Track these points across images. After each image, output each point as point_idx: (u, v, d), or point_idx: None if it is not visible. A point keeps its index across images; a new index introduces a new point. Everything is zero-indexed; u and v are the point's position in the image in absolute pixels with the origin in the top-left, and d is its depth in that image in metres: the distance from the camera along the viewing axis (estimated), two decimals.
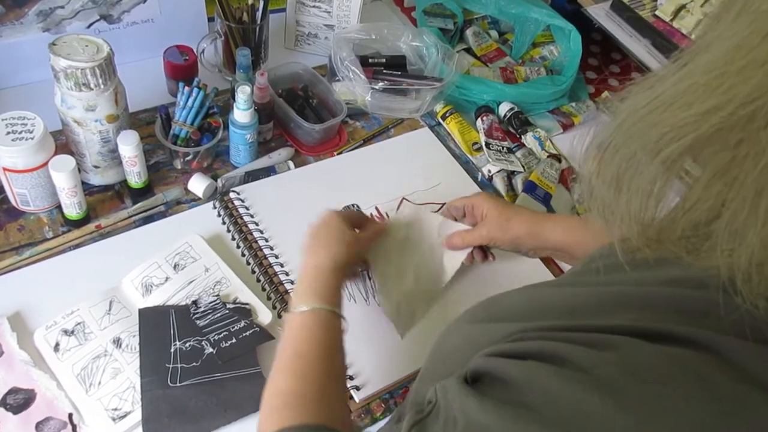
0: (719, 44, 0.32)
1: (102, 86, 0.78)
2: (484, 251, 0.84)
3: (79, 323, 0.75)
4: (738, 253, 0.32)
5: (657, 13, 1.19)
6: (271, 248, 0.86)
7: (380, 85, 1.06)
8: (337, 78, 1.06)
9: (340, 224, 0.74)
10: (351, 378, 0.76)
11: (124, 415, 0.69)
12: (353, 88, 1.05)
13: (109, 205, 0.88)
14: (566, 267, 0.92)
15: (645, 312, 0.39)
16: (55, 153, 0.80)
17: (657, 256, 0.37)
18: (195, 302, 0.78)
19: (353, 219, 0.79)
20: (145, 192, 0.90)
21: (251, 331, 0.76)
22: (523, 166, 1.05)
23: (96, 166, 0.87)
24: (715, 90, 0.31)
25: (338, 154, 1.03)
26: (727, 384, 0.34)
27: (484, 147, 1.07)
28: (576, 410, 0.34)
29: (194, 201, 0.91)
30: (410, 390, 0.62)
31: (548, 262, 0.92)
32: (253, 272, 0.84)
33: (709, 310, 0.36)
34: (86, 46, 0.78)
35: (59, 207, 0.84)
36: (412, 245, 0.85)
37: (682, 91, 0.33)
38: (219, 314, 0.77)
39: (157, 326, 0.75)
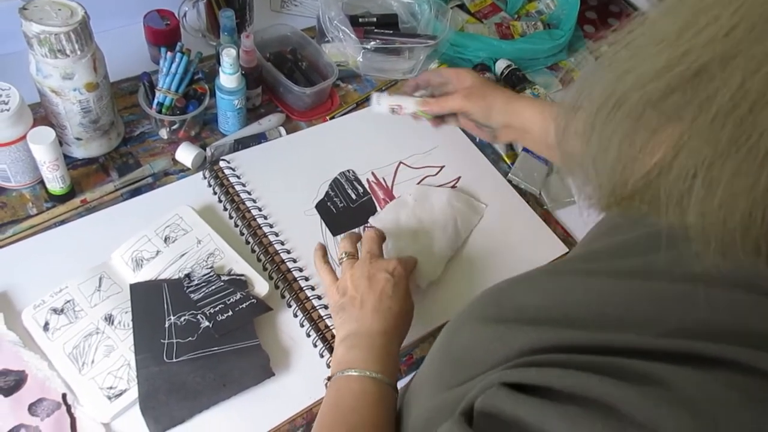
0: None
1: (78, 52, 0.74)
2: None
3: (68, 301, 0.72)
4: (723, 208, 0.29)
5: None
6: (265, 217, 0.83)
7: (372, 44, 1.01)
8: (327, 39, 1.02)
9: (406, 282, 0.70)
10: None
11: (120, 394, 0.67)
12: (344, 49, 1.01)
13: (94, 179, 0.85)
14: (575, 240, 0.89)
15: (686, 321, 0.35)
16: (34, 125, 0.76)
17: (626, 214, 0.35)
18: (188, 275, 0.75)
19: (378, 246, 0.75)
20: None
21: (248, 303, 0.73)
22: None
23: (78, 138, 0.83)
24: (673, 45, 0.30)
25: (331, 118, 0.99)
26: None
27: None
28: None
29: (183, 171, 0.88)
30: (412, 386, 0.57)
31: (552, 224, 0.89)
32: (248, 243, 0.81)
33: (748, 316, 0.34)
34: (59, 10, 0.73)
35: (42, 182, 0.80)
36: (422, 222, 0.86)
37: (643, 44, 0.32)
38: (214, 287, 0.74)
39: (150, 301, 0.73)
